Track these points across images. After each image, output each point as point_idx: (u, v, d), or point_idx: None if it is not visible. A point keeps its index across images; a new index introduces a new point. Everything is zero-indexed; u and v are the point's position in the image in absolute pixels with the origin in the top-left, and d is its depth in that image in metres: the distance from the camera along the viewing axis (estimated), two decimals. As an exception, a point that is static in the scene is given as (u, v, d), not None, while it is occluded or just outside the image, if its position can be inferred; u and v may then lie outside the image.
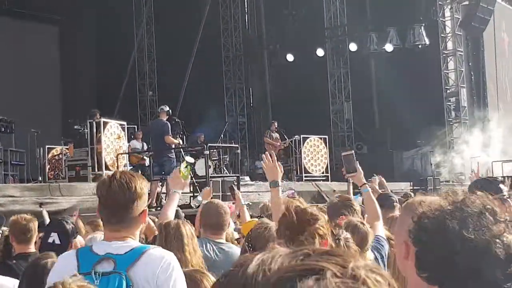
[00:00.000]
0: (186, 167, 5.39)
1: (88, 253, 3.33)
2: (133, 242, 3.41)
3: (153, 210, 14.94)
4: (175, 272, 3.33)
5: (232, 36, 34.66)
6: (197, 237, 5.60)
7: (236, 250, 5.93)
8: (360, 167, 6.10)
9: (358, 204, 6.24)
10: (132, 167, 20.97)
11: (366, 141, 32.01)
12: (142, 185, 3.50)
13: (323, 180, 24.09)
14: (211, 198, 9.26)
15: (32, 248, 6.56)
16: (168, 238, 5.06)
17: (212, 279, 4.16)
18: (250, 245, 4.87)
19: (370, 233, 5.34)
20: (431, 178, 22.98)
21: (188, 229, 5.18)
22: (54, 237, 6.23)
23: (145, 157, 20.33)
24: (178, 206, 14.35)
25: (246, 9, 35.81)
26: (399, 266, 2.91)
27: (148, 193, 16.05)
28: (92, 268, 3.22)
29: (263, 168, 5.58)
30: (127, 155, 20.02)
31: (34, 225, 6.67)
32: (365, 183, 6.05)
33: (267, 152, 5.56)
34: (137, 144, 21.26)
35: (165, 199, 16.06)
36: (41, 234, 7.02)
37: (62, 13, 30.32)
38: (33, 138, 22.33)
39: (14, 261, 6.24)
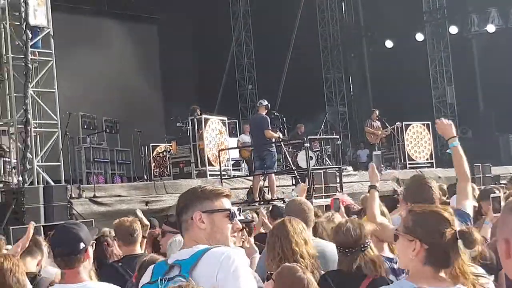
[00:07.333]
0: None
1: (162, 265, 3.37)
2: (201, 246, 3.37)
3: (256, 204, 14.95)
4: (236, 266, 3.17)
5: (329, 25, 34.44)
6: None
7: (323, 243, 5.83)
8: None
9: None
10: (242, 160, 21.12)
11: (471, 125, 31.31)
12: None
13: (427, 167, 23.72)
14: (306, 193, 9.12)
15: (137, 250, 6.62)
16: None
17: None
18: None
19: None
20: (541, 160, 22.32)
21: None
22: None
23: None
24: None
25: (342, -4, 35.50)
26: (502, 264, 2.79)
27: (251, 188, 16.21)
28: (162, 276, 3.27)
29: (369, 173, 6.11)
30: (233, 150, 20.14)
31: (138, 225, 6.72)
32: (454, 136, 5.63)
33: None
34: (246, 138, 21.04)
35: (268, 193, 16.12)
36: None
37: (160, 12, 30.79)
38: (136, 137, 22.78)
39: (120, 264, 6.34)
